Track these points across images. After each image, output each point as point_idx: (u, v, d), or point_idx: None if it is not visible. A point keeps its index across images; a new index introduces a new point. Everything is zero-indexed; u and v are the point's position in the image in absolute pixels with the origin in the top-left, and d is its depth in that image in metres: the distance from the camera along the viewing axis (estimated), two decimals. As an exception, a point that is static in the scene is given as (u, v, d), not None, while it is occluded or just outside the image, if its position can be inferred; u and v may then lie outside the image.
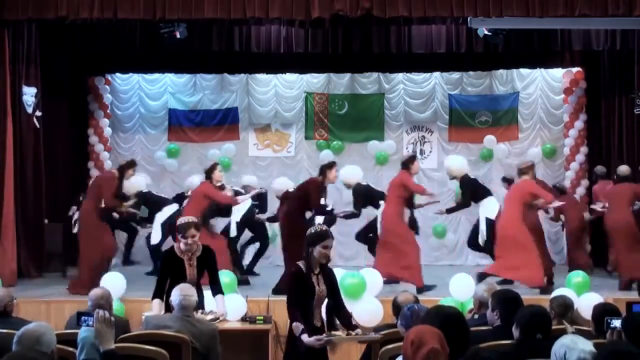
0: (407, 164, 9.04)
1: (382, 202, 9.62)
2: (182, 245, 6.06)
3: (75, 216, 10.37)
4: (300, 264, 5.18)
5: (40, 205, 10.40)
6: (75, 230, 10.30)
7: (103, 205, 8.95)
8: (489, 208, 9.43)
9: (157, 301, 5.97)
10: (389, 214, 8.95)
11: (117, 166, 9.28)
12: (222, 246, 9.02)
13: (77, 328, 4.41)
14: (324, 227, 5.28)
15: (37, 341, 3.85)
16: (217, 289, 6.22)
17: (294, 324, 4.95)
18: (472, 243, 9.91)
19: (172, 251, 6.18)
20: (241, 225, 10.41)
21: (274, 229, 11.13)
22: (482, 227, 9.41)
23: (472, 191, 9.41)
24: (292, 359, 5.17)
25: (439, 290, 8.48)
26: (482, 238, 9.49)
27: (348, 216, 9.91)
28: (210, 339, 5.16)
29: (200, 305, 6.13)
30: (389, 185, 9.15)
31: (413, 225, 9.30)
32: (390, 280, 8.74)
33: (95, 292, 5.39)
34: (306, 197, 8.73)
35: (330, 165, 8.95)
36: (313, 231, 5.21)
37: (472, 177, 9.67)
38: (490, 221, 9.26)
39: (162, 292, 5.96)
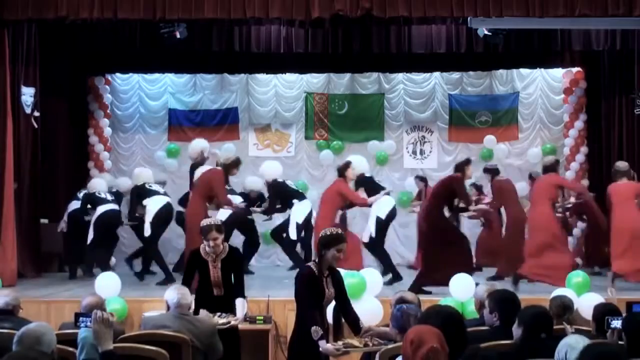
0: (554, 167, 9.06)
1: (295, 201, 9.71)
2: (206, 248, 6.03)
3: (67, 214, 10.37)
4: (312, 265, 5.14)
5: (37, 205, 10.39)
6: (64, 229, 10.30)
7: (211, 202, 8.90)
8: (382, 207, 9.49)
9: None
10: (541, 214, 8.84)
11: (221, 163, 9.14)
12: (357, 245, 9.05)
13: (73, 327, 4.40)
14: (339, 230, 5.23)
15: (37, 341, 3.85)
16: (239, 292, 6.12)
17: (313, 327, 4.84)
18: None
19: (197, 251, 6.12)
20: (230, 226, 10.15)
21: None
22: (371, 225, 9.44)
23: (366, 190, 9.55)
24: (298, 358, 5.14)
25: (439, 290, 8.46)
26: (367, 235, 9.50)
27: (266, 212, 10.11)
28: (210, 336, 5.16)
29: (231, 308, 6.04)
30: (536, 187, 9.08)
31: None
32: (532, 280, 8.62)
33: (88, 300, 5.14)
34: (449, 195, 8.81)
35: (468, 161, 9.05)
36: (328, 233, 5.16)
37: (367, 175, 9.79)
38: (380, 219, 9.36)
39: (187, 287, 5.82)
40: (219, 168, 9.10)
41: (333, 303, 5.33)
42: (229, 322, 5.81)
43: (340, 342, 4.88)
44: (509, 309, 4.59)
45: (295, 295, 5.16)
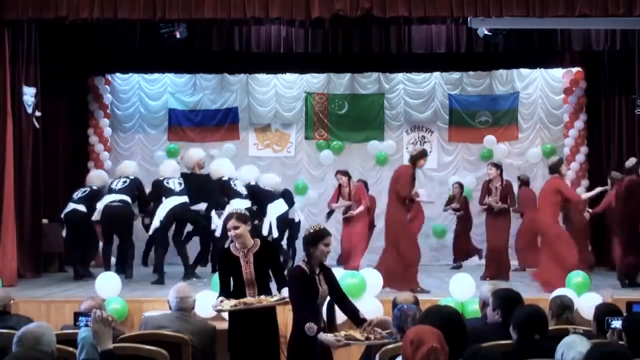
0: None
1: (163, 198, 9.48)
2: (236, 243, 5.67)
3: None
4: (303, 265, 5.13)
5: (38, 205, 10.38)
6: (64, 232, 9.96)
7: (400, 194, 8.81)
8: (275, 211, 9.54)
9: (222, 299, 5.58)
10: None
11: (408, 157, 9.18)
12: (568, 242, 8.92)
13: (74, 329, 4.38)
14: (322, 226, 5.24)
15: (37, 341, 3.84)
16: (283, 283, 5.63)
17: (308, 324, 4.81)
18: None
19: (227, 250, 5.76)
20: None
21: None
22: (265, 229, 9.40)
23: (218, 192, 9.58)
24: (297, 358, 5.13)
25: (439, 290, 8.47)
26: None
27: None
28: (210, 338, 5.14)
29: (265, 311, 5.75)
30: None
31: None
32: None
33: (88, 304, 5.02)
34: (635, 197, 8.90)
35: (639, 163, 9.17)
36: (312, 231, 5.16)
37: (225, 179, 9.63)
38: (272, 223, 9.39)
39: (227, 292, 5.58)
40: (409, 164, 9.06)
41: (326, 300, 5.32)
42: (283, 299, 5.44)
43: (342, 333, 4.87)
44: (512, 308, 4.58)
45: (290, 296, 5.16)
